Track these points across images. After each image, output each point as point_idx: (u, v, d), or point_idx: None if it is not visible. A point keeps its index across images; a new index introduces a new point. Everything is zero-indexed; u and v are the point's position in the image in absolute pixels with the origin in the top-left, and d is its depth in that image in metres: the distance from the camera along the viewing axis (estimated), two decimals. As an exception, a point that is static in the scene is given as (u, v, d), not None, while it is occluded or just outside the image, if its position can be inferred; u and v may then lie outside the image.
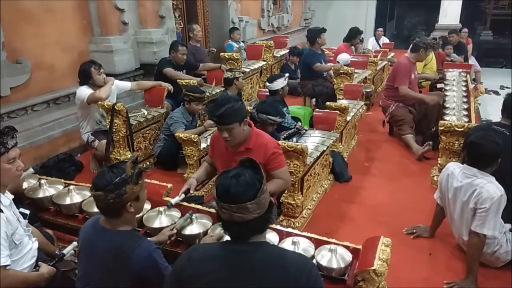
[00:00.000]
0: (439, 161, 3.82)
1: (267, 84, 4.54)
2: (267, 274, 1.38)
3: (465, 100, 4.56)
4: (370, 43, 9.26)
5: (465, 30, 8.72)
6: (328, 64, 6.05)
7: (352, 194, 3.87)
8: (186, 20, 7.24)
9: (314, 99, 5.91)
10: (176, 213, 2.32)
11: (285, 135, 4.06)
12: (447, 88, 4.99)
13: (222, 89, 4.95)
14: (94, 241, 1.78)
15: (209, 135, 4.01)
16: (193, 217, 2.23)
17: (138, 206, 1.83)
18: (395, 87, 4.89)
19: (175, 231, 2.12)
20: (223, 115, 2.39)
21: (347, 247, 2.00)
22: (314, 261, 1.89)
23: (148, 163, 4.33)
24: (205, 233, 2.16)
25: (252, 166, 1.49)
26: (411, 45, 5.05)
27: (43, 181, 2.66)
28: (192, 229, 2.19)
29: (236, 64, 5.70)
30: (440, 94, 5.01)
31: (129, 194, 1.72)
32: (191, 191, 2.55)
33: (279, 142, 2.89)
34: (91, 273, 1.78)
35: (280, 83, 4.38)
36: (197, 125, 4.46)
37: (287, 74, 4.83)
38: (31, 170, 2.67)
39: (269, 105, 3.57)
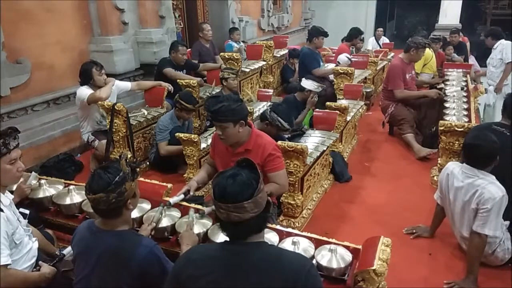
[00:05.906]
0: (439, 161, 3.82)
1: (303, 79, 4.66)
2: (265, 274, 1.38)
3: (465, 100, 4.57)
4: (370, 43, 9.24)
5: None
6: (328, 68, 5.97)
7: (352, 194, 3.87)
8: (186, 20, 7.24)
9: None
10: (176, 213, 2.32)
11: (289, 135, 4.05)
12: (447, 88, 4.98)
13: (223, 89, 4.95)
14: (92, 243, 1.77)
15: (209, 135, 4.01)
16: (163, 208, 2.28)
17: (135, 203, 1.86)
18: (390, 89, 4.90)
19: (154, 224, 2.15)
20: (217, 111, 2.40)
21: (347, 247, 2.00)
22: (314, 261, 1.89)
23: (148, 163, 4.33)
24: (205, 233, 2.16)
25: (249, 166, 1.50)
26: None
27: (43, 181, 2.66)
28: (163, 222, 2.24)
29: (236, 64, 5.70)
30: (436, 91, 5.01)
31: (129, 191, 1.74)
32: (191, 193, 2.55)
33: (279, 142, 2.89)
34: (91, 275, 1.77)
35: (311, 85, 4.42)
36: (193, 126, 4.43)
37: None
38: (34, 174, 2.64)
39: (284, 110, 3.42)
